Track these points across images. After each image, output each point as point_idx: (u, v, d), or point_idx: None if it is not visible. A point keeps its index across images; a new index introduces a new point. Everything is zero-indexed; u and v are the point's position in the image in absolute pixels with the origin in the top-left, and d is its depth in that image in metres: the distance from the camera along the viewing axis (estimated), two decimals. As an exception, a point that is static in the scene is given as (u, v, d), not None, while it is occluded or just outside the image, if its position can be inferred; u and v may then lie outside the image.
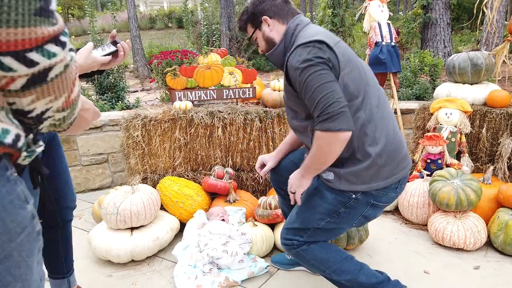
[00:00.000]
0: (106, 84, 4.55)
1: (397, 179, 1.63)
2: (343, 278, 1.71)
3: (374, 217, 1.73)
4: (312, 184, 1.66)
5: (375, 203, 1.63)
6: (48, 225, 1.68)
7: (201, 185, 2.79)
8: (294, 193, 1.68)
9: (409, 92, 4.97)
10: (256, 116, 2.81)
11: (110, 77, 4.60)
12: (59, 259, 1.75)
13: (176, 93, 2.86)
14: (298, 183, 1.63)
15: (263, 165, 2.03)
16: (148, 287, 2.15)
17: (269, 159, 2.01)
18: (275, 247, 2.48)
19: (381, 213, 1.76)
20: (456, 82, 3.10)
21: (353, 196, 1.59)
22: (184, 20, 10.25)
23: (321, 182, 1.66)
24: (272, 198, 2.52)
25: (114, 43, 1.52)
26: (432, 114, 3.08)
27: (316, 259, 1.71)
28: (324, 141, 1.45)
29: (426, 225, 2.67)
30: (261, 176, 2.89)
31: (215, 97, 2.92)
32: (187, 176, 2.85)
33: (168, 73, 2.89)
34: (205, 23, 10.36)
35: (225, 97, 2.93)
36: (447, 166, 2.87)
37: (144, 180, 2.86)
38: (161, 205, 2.66)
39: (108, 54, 1.49)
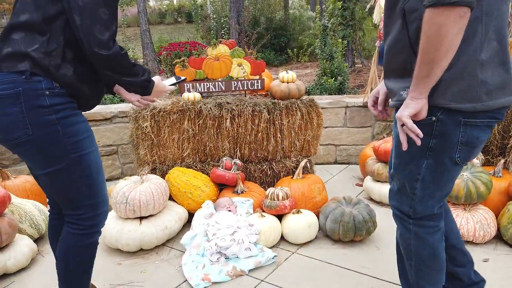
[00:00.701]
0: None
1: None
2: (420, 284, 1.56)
3: (479, 140, 1.32)
4: (394, 132, 1.42)
5: (466, 120, 1.26)
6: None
7: (209, 176, 2.80)
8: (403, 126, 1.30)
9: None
10: (264, 108, 2.81)
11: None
12: None
13: (185, 84, 2.87)
14: (404, 108, 1.27)
15: (376, 100, 1.64)
16: (157, 276, 2.17)
17: (381, 88, 1.60)
18: (282, 238, 2.49)
19: (489, 135, 1.36)
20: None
21: (433, 118, 1.28)
22: (193, 14, 10.23)
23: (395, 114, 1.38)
24: (280, 189, 2.53)
25: (177, 77, 1.87)
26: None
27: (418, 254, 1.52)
28: (433, 21, 1.10)
29: (435, 218, 2.65)
30: (269, 168, 2.89)
31: (224, 89, 2.93)
32: (196, 167, 2.86)
33: (177, 65, 2.90)
34: (214, 16, 10.36)
35: (233, 88, 2.94)
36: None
37: (153, 171, 2.88)
38: (170, 195, 2.68)
39: (174, 84, 1.81)
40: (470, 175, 2.48)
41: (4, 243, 2.17)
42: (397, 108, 1.36)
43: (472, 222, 2.35)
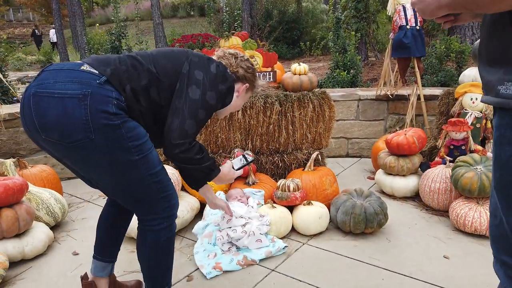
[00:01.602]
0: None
1: None
2: None
3: None
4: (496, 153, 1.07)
5: None
6: (127, 212, 1.76)
7: (221, 167, 2.83)
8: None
9: (433, 79, 4.86)
10: (276, 100, 2.81)
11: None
12: (118, 245, 1.82)
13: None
14: None
15: None
16: (169, 263, 2.21)
17: None
18: (293, 229, 2.51)
19: None
20: (483, 66, 3.01)
21: None
22: (206, 7, 10.24)
23: (499, 123, 1.04)
24: (291, 181, 2.54)
25: (244, 157, 1.95)
26: (456, 99, 3.01)
27: None
28: None
29: (447, 211, 2.63)
30: (280, 160, 2.90)
31: (236, 81, 2.93)
32: (208, 158, 2.89)
33: (190, 57, 2.91)
34: (227, 9, 10.35)
35: (245, 80, 2.94)
36: (471, 152, 2.81)
37: (165, 162, 2.92)
38: (182, 186, 2.71)
39: (241, 168, 1.91)
40: (484, 168, 2.45)
41: (22, 229, 2.23)
42: (495, 109, 1.06)
43: (485, 215, 2.33)
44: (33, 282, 2.06)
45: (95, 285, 1.77)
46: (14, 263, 2.19)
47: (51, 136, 1.32)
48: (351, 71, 5.43)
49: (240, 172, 1.90)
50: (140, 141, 1.41)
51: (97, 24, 16.43)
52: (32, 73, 11.01)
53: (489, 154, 2.76)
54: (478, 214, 2.35)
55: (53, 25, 15.23)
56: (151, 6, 11.15)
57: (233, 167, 1.85)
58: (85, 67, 1.37)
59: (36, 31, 18.16)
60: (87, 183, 1.65)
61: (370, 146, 3.88)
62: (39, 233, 2.30)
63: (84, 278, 1.78)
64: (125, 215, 1.78)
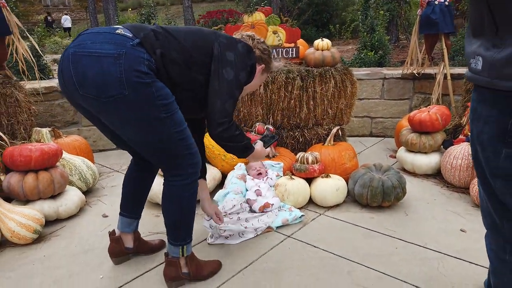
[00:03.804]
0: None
1: None
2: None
3: None
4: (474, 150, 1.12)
5: None
6: (149, 169, 1.89)
7: (242, 140, 2.91)
8: None
9: (465, 60, 4.71)
10: (297, 75, 2.85)
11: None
12: (142, 202, 1.96)
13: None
14: None
15: None
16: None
17: None
18: (311, 201, 2.57)
19: None
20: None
21: None
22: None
23: (472, 96, 1.09)
24: (310, 153, 2.59)
25: (272, 137, 2.11)
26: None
27: None
28: None
29: (468, 188, 2.61)
30: (301, 135, 2.95)
31: (259, 56, 2.98)
32: (230, 131, 2.98)
33: (214, 32, 2.99)
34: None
35: (268, 56, 2.98)
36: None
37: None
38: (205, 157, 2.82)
39: (269, 145, 2.02)
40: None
41: (57, 191, 2.41)
42: (475, 86, 1.04)
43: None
44: (66, 239, 2.24)
45: (121, 240, 1.91)
46: (50, 222, 2.37)
47: (89, 92, 1.43)
48: (379, 51, 5.34)
49: (269, 149, 1.98)
50: (168, 101, 1.51)
51: (129, 9, 16.77)
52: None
53: None
54: (499, 190, 2.32)
55: (66, 12, 15.75)
56: (181, -10, 11.30)
57: (264, 146, 1.96)
58: (120, 31, 1.48)
59: (49, 18, 19.23)
60: (116, 144, 1.77)
61: (394, 126, 3.85)
62: (72, 196, 2.48)
63: (111, 234, 1.93)
64: (148, 173, 1.91)
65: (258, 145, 1.89)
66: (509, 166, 1.00)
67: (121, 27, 1.52)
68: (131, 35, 1.47)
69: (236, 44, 1.68)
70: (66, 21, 19.78)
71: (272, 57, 1.88)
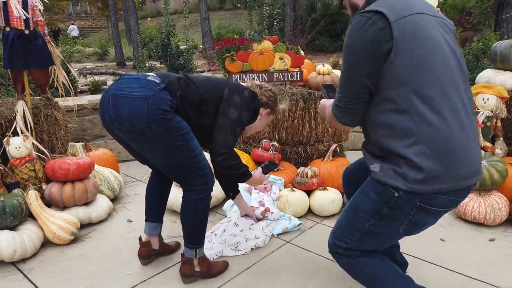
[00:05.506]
0: (176, 65, 5.17)
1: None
2: None
3: (426, 223, 1.48)
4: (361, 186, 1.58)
5: (423, 205, 1.37)
6: (166, 179, 2.26)
7: (250, 155, 3.26)
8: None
9: (471, 76, 4.90)
10: (300, 97, 3.18)
11: (180, 58, 5.21)
12: (163, 207, 2.33)
13: (233, 75, 3.32)
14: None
15: None
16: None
17: None
18: (309, 211, 2.89)
19: (437, 219, 1.50)
20: (498, 69, 3.18)
21: (396, 194, 1.36)
22: (247, 1, 10.60)
23: (367, 181, 1.52)
24: (309, 168, 2.91)
25: (273, 165, 2.45)
26: (472, 99, 3.19)
27: (363, 274, 1.61)
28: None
29: (454, 201, 2.88)
30: (303, 151, 3.28)
31: (267, 80, 3.34)
32: (239, 147, 3.33)
33: (227, 58, 3.35)
34: (269, 3, 10.63)
35: (275, 79, 3.34)
36: (481, 148, 3.02)
37: (203, 149, 3.39)
38: (217, 170, 3.17)
39: (268, 172, 2.38)
40: (487, 163, 2.69)
41: (90, 199, 2.80)
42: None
43: (484, 205, 2.58)
44: (97, 240, 2.62)
45: (150, 243, 2.27)
46: (83, 226, 2.76)
47: (123, 125, 1.81)
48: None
49: (269, 175, 2.40)
50: (184, 131, 1.88)
51: (149, 18, 17.35)
52: (90, 65, 11.98)
53: (498, 151, 2.96)
54: (478, 204, 2.60)
55: (72, 22, 16.35)
56: (198, 0, 11.74)
57: (262, 172, 2.34)
58: (150, 78, 1.87)
59: (54, 28, 20.26)
60: (141, 162, 2.15)
61: (393, 140, 4.11)
62: (102, 203, 2.87)
63: (140, 239, 2.28)
64: (166, 182, 2.29)
65: (258, 172, 2.27)
66: None
67: (152, 74, 1.92)
68: (159, 81, 1.85)
69: (243, 90, 2.06)
70: (73, 30, 20.77)
71: (277, 102, 2.26)
